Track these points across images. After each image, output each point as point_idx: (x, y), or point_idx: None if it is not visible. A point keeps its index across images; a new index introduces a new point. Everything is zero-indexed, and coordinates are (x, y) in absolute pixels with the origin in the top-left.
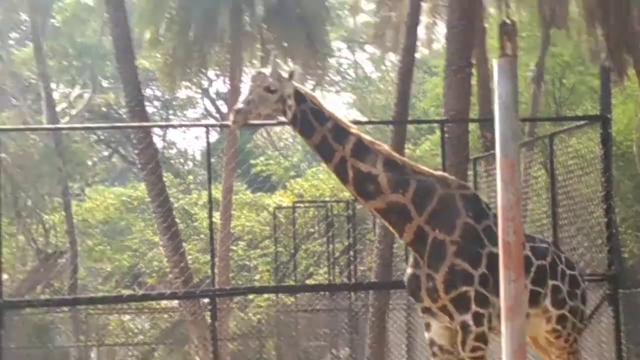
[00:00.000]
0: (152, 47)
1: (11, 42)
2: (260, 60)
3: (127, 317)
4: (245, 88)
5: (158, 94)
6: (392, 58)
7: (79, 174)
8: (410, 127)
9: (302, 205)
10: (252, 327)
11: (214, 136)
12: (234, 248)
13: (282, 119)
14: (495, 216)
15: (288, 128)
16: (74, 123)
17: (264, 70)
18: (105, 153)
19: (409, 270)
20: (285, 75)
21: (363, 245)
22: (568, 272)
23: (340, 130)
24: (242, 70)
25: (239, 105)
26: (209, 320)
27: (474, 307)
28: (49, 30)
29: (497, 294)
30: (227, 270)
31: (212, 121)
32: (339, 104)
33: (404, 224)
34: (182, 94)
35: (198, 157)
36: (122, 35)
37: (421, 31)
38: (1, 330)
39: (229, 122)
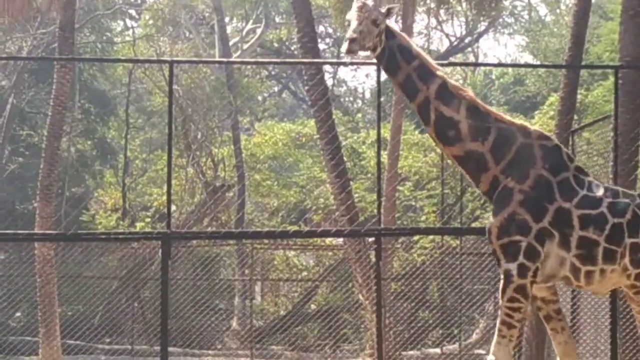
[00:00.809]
0: None
1: None
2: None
3: (292, 253)
4: (352, 17)
5: (330, 31)
6: (568, 1)
7: (249, 109)
8: (583, 72)
9: None
10: (416, 268)
11: (384, 75)
12: (401, 188)
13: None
14: (577, 168)
15: (459, 69)
16: (246, 57)
17: (368, 1)
18: (276, 89)
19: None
20: (384, 10)
21: None
22: None
23: (426, 70)
24: (415, 9)
25: (353, 34)
26: (373, 260)
27: (521, 259)
28: None
29: (565, 248)
30: (392, 210)
31: None
32: (511, 47)
33: (480, 173)
34: None
35: (367, 95)
36: None
37: None
38: (168, 261)
39: (343, 51)
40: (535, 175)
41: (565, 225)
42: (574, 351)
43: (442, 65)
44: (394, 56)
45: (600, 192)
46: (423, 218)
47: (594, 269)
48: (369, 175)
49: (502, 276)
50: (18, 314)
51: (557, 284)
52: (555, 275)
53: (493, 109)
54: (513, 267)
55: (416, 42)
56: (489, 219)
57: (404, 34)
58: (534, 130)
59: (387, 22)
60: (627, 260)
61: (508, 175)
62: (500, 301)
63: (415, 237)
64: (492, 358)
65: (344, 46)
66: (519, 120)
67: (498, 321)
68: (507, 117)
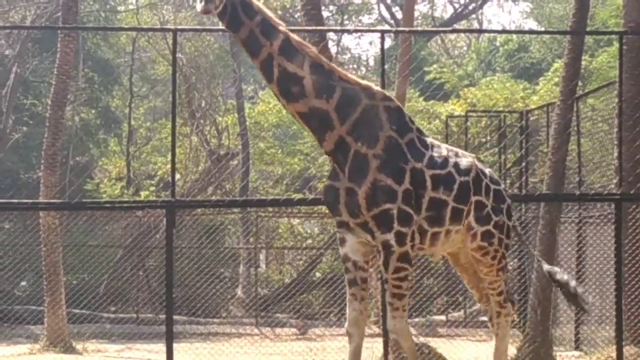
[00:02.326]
0: None
1: None
2: None
3: (296, 221)
4: None
5: None
6: None
7: (253, 77)
8: (588, 38)
9: (474, 114)
10: None
11: (388, 42)
12: None
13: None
14: (419, 130)
15: (463, 36)
16: None
17: None
18: None
19: (328, 182)
20: None
21: (535, 156)
22: (493, 187)
23: (268, 26)
24: None
25: None
26: None
27: (396, 226)
28: None
29: (418, 211)
30: None
31: (387, 27)
32: (515, 13)
33: (325, 132)
34: None
35: (372, 63)
36: None
37: None
38: (173, 229)
39: (199, 10)
40: (384, 138)
41: (420, 186)
42: (364, 322)
43: (445, 32)
44: (236, 12)
45: (444, 152)
46: None
47: (440, 230)
48: None
49: (380, 249)
50: (23, 283)
51: (371, 255)
52: None
53: (339, 67)
54: (390, 236)
55: (420, 9)
56: (330, 183)
57: None
58: (378, 91)
59: None
60: (472, 217)
61: (357, 140)
62: (384, 274)
63: None
64: (394, 336)
65: (199, 6)
66: (365, 81)
67: (388, 295)
68: (352, 76)
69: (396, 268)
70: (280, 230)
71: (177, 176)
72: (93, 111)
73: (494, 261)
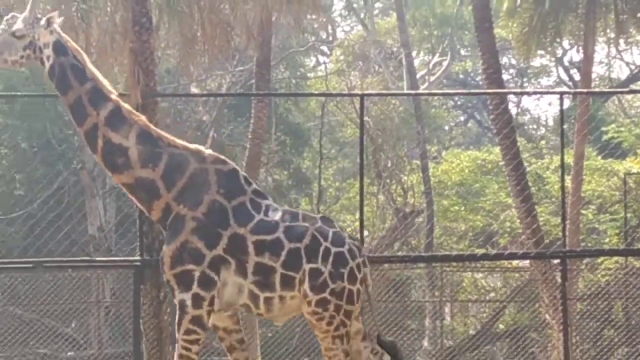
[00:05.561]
0: (509, 17)
1: (376, 12)
2: (614, 30)
3: (479, 275)
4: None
5: (513, 62)
6: None
7: (437, 138)
8: None
9: None
10: (601, 289)
11: (566, 103)
12: (584, 212)
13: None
14: (255, 192)
15: (638, 97)
16: (433, 89)
17: (18, 14)
18: (462, 118)
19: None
20: (43, 22)
21: None
22: (334, 250)
23: (98, 94)
24: (595, 40)
25: None
26: (559, 280)
27: (195, 288)
28: (411, 1)
29: (242, 275)
30: (577, 233)
31: (565, 89)
32: None
33: (152, 201)
34: (536, 62)
35: (550, 123)
36: (482, 5)
37: None
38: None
39: None
40: (208, 201)
41: (241, 252)
42: None
43: (622, 92)
44: (65, 74)
45: (277, 216)
46: (606, 240)
47: (272, 296)
48: (553, 199)
49: (177, 308)
50: None
51: (241, 314)
52: (234, 303)
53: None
54: (187, 297)
55: (597, 71)
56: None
57: (80, 51)
58: (209, 155)
59: (58, 36)
60: (306, 286)
61: (180, 203)
62: (177, 334)
63: (600, 259)
64: None
65: None
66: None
67: (175, 355)
68: (181, 142)
69: (187, 330)
70: (464, 284)
71: (365, 233)
72: (285, 172)
73: (330, 327)
